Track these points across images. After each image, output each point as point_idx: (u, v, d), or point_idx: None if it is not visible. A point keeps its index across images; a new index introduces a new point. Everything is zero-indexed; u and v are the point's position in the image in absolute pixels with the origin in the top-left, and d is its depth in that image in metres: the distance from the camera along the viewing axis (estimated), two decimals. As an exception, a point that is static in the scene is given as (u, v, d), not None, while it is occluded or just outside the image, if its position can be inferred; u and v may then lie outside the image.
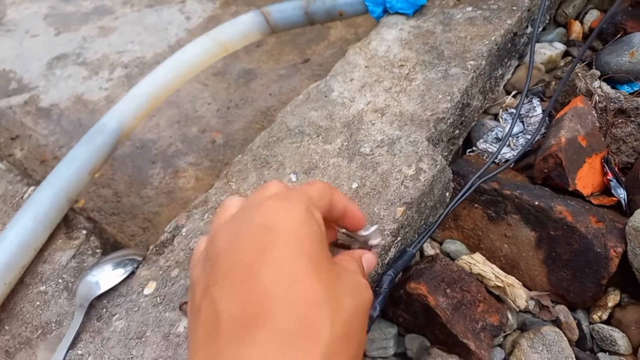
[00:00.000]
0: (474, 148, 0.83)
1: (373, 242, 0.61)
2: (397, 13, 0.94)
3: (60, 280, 0.65)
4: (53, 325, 0.61)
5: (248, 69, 1.23)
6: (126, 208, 0.94)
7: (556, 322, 0.69)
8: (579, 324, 0.69)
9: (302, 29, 1.27)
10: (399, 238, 0.64)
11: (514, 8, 0.86)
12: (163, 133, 1.10)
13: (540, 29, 0.94)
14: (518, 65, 0.91)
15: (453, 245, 0.76)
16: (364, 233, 0.62)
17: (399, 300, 0.66)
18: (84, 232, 0.74)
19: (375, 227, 0.62)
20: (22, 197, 0.78)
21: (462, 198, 0.70)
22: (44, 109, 1.25)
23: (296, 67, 1.21)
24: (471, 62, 0.79)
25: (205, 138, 1.06)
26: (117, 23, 1.55)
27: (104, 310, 0.61)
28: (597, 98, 0.77)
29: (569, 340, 0.67)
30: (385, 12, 0.96)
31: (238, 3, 1.49)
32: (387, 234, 0.62)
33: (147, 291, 0.62)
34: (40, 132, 1.18)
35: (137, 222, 0.90)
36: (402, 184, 0.66)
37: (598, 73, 0.80)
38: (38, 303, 0.63)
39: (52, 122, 1.21)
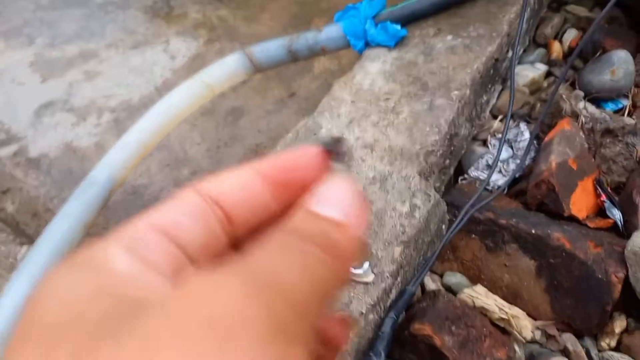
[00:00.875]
0: (465, 176, 0.83)
1: (367, 279, 0.61)
2: (378, 45, 0.95)
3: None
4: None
5: (235, 107, 1.23)
6: (121, 259, 0.93)
7: (564, 352, 0.69)
8: (587, 352, 0.68)
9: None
10: (398, 279, 0.63)
11: (494, 34, 0.87)
12: (154, 177, 1.10)
13: (520, 52, 0.95)
14: (502, 89, 0.92)
15: (454, 278, 0.75)
16: (357, 271, 0.61)
17: (404, 341, 0.65)
18: (79, 291, 0.72)
19: (367, 264, 0.61)
20: (15, 258, 0.77)
21: (456, 229, 0.70)
22: (33, 160, 1.24)
23: (283, 101, 1.22)
24: (455, 92, 0.79)
25: (196, 180, 1.06)
26: (102, 67, 1.56)
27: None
28: (583, 119, 0.77)
29: (578, 369, 0.66)
30: (367, 45, 0.97)
31: (222, 40, 1.50)
32: (387, 276, 0.61)
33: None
34: (31, 184, 1.17)
35: (133, 272, 0.88)
36: (397, 222, 0.66)
37: (582, 94, 0.81)
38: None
39: (42, 172, 1.20)
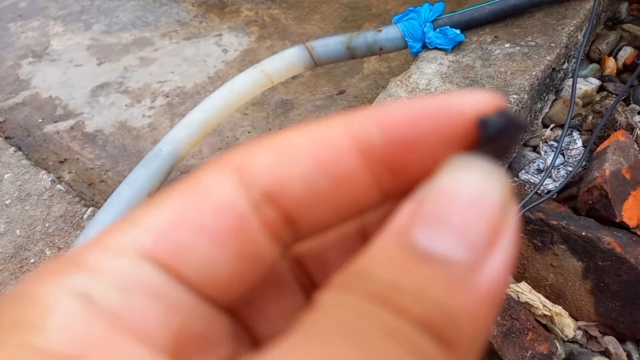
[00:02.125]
0: (515, 179, 0.85)
1: None
2: (435, 48, 0.98)
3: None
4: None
5: (286, 100, 1.28)
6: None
7: (605, 353, 0.70)
8: (629, 356, 0.69)
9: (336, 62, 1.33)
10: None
11: (552, 45, 0.89)
12: (206, 159, 1.15)
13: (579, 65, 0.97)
14: (555, 99, 0.94)
15: (498, 274, 0.77)
16: None
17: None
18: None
19: None
20: (81, 217, 0.81)
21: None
22: (89, 134, 1.30)
23: (332, 98, 1.26)
24: (514, 96, 0.82)
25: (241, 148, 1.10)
26: (156, 54, 1.62)
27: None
28: (638, 132, 0.79)
29: (620, 371, 0.67)
30: (424, 47, 1.00)
31: (273, 37, 1.56)
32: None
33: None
34: (87, 157, 1.23)
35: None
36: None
37: (638, 108, 0.83)
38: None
39: (97, 147, 1.26)
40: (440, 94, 0.13)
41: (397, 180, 0.12)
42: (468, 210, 0.11)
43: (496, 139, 0.12)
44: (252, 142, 0.13)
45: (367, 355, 0.09)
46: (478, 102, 0.12)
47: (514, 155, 0.86)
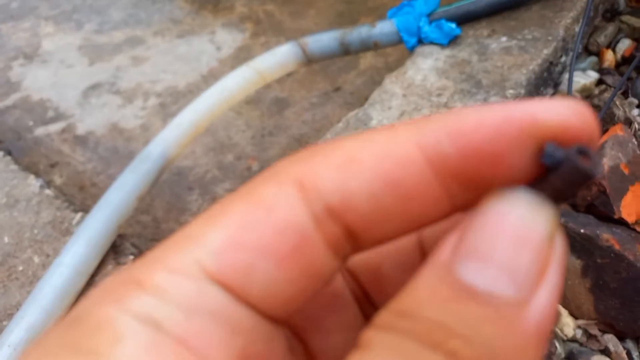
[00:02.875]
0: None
1: None
2: (431, 43, 0.97)
3: (113, 306, 0.66)
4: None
5: (280, 98, 1.26)
6: (165, 234, 0.96)
7: (605, 352, 0.69)
8: (629, 354, 0.68)
9: (331, 58, 1.31)
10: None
11: (549, 38, 0.88)
12: (199, 160, 1.13)
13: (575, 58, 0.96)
14: (553, 94, 0.93)
15: (496, 273, 0.76)
16: None
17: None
18: (132, 257, 0.75)
19: None
20: (70, 223, 0.80)
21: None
22: (80, 137, 1.29)
23: (328, 95, 1.24)
24: (510, 91, 0.80)
25: (241, 165, 1.09)
26: (149, 53, 1.60)
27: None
28: (636, 126, 0.77)
29: (621, 371, 0.66)
30: (420, 42, 0.98)
31: (267, 34, 1.54)
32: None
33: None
34: (78, 159, 1.21)
35: (177, 247, 0.91)
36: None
37: (636, 101, 0.81)
38: (93, 328, 0.64)
39: (89, 149, 1.24)
40: (523, 100, 0.12)
41: (469, 192, 0.12)
42: (513, 244, 0.10)
43: (553, 180, 0.11)
44: (312, 151, 0.12)
45: None
46: (569, 114, 0.11)
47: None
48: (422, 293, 0.10)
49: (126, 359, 0.10)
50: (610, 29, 0.99)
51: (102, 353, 0.10)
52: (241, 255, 0.11)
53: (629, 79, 0.89)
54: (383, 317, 0.11)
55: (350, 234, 0.12)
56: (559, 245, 0.11)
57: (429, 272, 0.11)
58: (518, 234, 0.10)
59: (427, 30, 0.94)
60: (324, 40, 1.00)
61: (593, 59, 0.98)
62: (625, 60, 0.96)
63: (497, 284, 0.10)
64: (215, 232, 0.11)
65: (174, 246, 0.12)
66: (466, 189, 0.12)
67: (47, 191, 0.85)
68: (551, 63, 0.86)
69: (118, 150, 1.23)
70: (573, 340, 0.71)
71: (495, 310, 0.10)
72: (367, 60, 1.29)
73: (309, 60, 1.02)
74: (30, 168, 1.16)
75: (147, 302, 0.11)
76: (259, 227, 0.11)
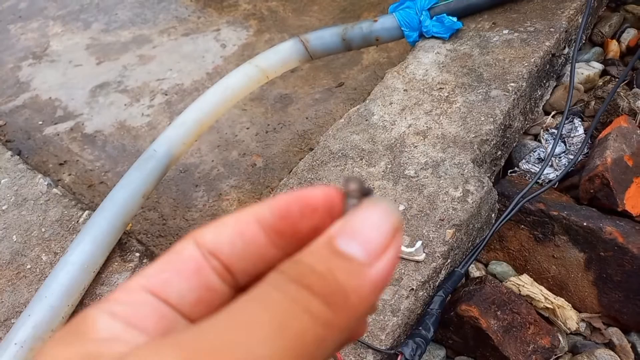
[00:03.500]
0: (516, 169, 0.83)
1: (418, 257, 0.62)
2: (433, 37, 0.96)
3: (119, 302, 0.67)
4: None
5: (284, 94, 1.26)
6: (172, 230, 0.97)
7: (609, 345, 0.68)
8: (633, 347, 0.67)
9: (334, 54, 1.31)
10: (449, 260, 0.64)
11: (552, 29, 0.87)
12: (205, 157, 1.14)
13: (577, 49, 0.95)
14: (556, 86, 0.92)
15: (499, 267, 0.76)
16: (409, 250, 0.63)
17: (449, 322, 0.66)
18: (137, 254, 0.76)
19: (419, 243, 0.63)
20: (77, 221, 0.81)
21: (509, 217, 0.71)
22: (89, 135, 1.30)
23: (331, 91, 1.24)
24: (512, 84, 0.80)
25: (245, 162, 1.09)
26: (155, 52, 1.62)
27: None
28: (641, 117, 0.77)
29: (624, 364, 0.66)
30: (421, 36, 0.98)
31: (271, 31, 1.54)
32: (438, 256, 0.62)
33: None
34: (87, 158, 1.23)
35: (183, 244, 0.92)
36: (450, 206, 0.67)
37: (641, 92, 0.80)
38: (99, 324, 0.65)
39: (97, 148, 1.26)
40: (302, 189, 0.20)
41: (287, 241, 0.20)
42: (371, 230, 0.17)
43: (357, 190, 0.19)
44: (205, 225, 0.20)
45: (268, 313, 0.15)
46: (323, 191, 0.20)
47: (514, 145, 0.85)
48: (310, 250, 0.17)
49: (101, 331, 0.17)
50: (615, 18, 0.97)
51: (85, 332, 0.18)
52: (163, 276, 0.19)
53: (634, 69, 0.88)
54: (283, 264, 0.17)
55: (227, 268, 0.20)
56: (399, 237, 0.17)
57: (320, 239, 0.17)
58: (374, 226, 0.17)
59: (429, 24, 0.93)
60: (325, 36, 1.00)
61: (597, 49, 0.97)
62: (630, 51, 0.95)
63: (356, 251, 0.16)
64: (149, 267, 0.20)
65: (137, 276, 0.20)
66: (285, 240, 0.20)
67: (55, 190, 0.87)
68: (553, 55, 0.86)
69: (125, 149, 1.24)
70: (577, 333, 0.71)
71: (350, 265, 0.16)
72: (370, 55, 1.29)
73: (311, 56, 1.02)
74: (39, 167, 1.18)
75: (110, 305, 0.19)
76: (174, 261, 0.20)
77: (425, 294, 0.61)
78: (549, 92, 0.91)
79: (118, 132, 1.30)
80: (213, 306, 0.20)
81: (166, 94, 1.39)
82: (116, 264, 0.74)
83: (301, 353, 0.14)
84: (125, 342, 0.17)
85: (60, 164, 1.22)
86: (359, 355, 0.54)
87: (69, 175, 1.18)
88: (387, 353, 0.54)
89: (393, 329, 0.56)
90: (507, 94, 0.79)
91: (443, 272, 0.64)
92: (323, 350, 0.15)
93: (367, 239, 0.16)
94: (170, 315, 0.19)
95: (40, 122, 1.38)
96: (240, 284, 0.20)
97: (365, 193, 0.19)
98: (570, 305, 0.71)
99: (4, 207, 0.83)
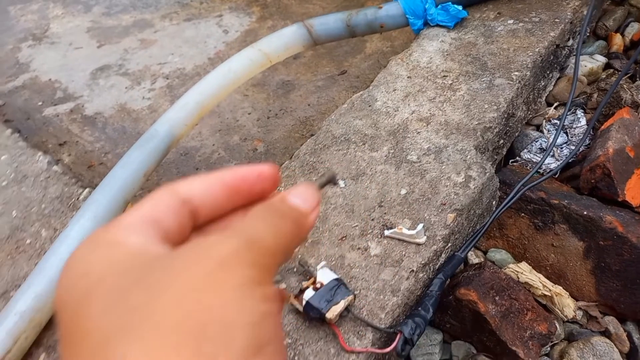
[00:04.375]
0: (517, 158, 0.84)
1: (419, 240, 0.62)
2: (437, 25, 0.96)
3: (119, 278, 0.67)
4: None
5: (286, 81, 1.26)
6: (171, 212, 0.97)
7: (605, 333, 0.69)
8: (629, 336, 0.68)
9: (338, 42, 1.30)
10: (449, 244, 0.65)
11: (557, 20, 0.87)
12: (206, 141, 1.14)
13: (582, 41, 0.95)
14: (559, 77, 0.92)
15: (498, 254, 0.76)
16: (410, 232, 0.63)
17: (447, 306, 0.67)
18: (138, 233, 0.76)
19: (421, 225, 0.63)
20: (77, 199, 0.81)
21: (509, 204, 0.71)
22: (89, 117, 1.30)
23: (333, 78, 1.24)
24: (516, 73, 0.80)
25: (246, 146, 1.09)
26: (157, 36, 1.61)
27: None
28: (643, 109, 0.77)
29: (620, 352, 0.66)
30: (426, 24, 0.98)
31: (274, 17, 1.53)
32: (439, 239, 0.63)
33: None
34: (87, 139, 1.22)
35: (182, 226, 0.92)
36: (452, 190, 0.67)
37: (644, 85, 0.80)
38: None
39: (97, 129, 1.25)
40: (254, 167, 0.29)
41: (237, 199, 0.28)
42: (310, 195, 0.28)
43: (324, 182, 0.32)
44: (186, 179, 0.28)
45: (270, 225, 0.25)
46: (270, 166, 0.29)
47: (517, 134, 0.85)
48: (278, 200, 0.27)
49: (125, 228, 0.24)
50: (620, 12, 0.97)
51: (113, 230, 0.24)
52: (156, 213, 0.25)
53: (637, 62, 0.88)
54: (256, 207, 0.26)
55: (194, 212, 0.27)
56: (319, 207, 0.28)
57: (278, 196, 0.27)
58: (311, 194, 0.28)
59: (434, 12, 0.93)
60: (330, 22, 1.00)
61: (601, 43, 0.97)
62: (634, 45, 0.95)
63: (302, 204, 0.27)
64: (146, 204, 0.26)
65: (131, 211, 0.25)
66: (235, 197, 0.28)
67: (55, 167, 0.86)
68: (557, 46, 0.86)
69: (126, 131, 1.24)
70: (573, 321, 0.71)
71: (297, 213, 0.26)
72: (374, 44, 1.29)
73: (315, 42, 1.01)
74: (39, 147, 1.17)
75: (126, 223, 0.24)
76: (162, 203, 0.26)
77: (425, 276, 0.62)
78: (552, 84, 0.91)
79: (118, 114, 1.29)
80: (183, 239, 0.26)
81: (167, 78, 1.39)
82: (116, 241, 0.74)
83: (289, 247, 0.25)
84: (153, 248, 0.23)
85: (60, 145, 1.22)
86: (358, 332, 0.54)
87: (69, 155, 1.17)
88: (386, 332, 0.55)
89: (393, 309, 0.56)
90: (511, 82, 0.79)
91: (443, 255, 0.64)
92: (292, 246, 0.26)
93: (309, 201, 0.28)
94: (165, 240, 0.25)
95: (40, 103, 1.37)
96: (198, 225, 0.28)
97: (329, 180, 0.32)
98: (567, 293, 0.71)
99: (3, 183, 0.83)
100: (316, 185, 0.30)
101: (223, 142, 1.12)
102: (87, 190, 0.83)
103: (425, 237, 0.62)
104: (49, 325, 0.65)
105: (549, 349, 0.69)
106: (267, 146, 1.08)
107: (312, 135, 0.81)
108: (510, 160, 0.84)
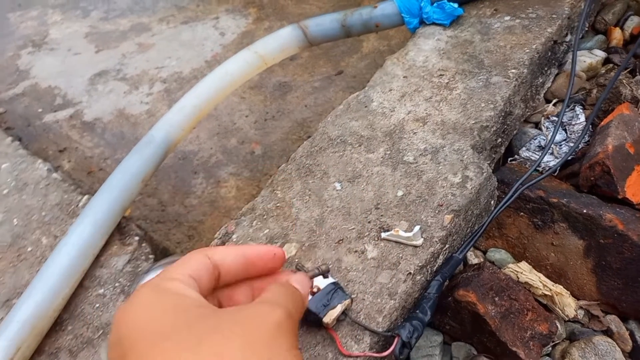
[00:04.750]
0: (516, 156, 0.83)
1: (416, 242, 0.62)
2: (433, 24, 0.95)
3: (117, 284, 0.67)
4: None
5: (283, 82, 1.26)
6: (171, 217, 0.97)
7: (607, 332, 0.68)
8: (631, 335, 0.67)
9: (334, 42, 1.30)
10: (447, 245, 0.64)
11: (554, 16, 0.86)
12: (203, 145, 1.14)
13: (579, 37, 0.94)
14: (558, 74, 0.91)
15: (497, 254, 0.75)
16: (407, 234, 0.63)
17: (446, 307, 0.66)
18: (137, 238, 0.76)
19: (417, 227, 0.63)
20: (77, 205, 0.81)
21: (507, 203, 0.70)
22: (88, 123, 1.30)
23: (330, 79, 1.23)
24: (513, 71, 0.79)
25: (244, 149, 1.09)
26: (154, 40, 1.61)
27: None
28: (643, 105, 0.76)
29: (622, 351, 0.66)
30: (422, 23, 0.97)
31: (271, 19, 1.53)
32: (436, 241, 0.62)
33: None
34: (86, 145, 1.22)
35: (183, 230, 0.93)
36: (449, 191, 0.67)
37: (643, 80, 0.79)
38: (98, 305, 0.65)
39: (96, 135, 1.25)
40: (271, 249, 0.38)
41: (253, 269, 0.37)
42: (305, 284, 0.38)
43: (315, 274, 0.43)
44: (214, 247, 0.41)
45: (275, 311, 0.30)
46: (279, 251, 0.38)
47: (515, 132, 0.84)
48: (280, 282, 0.36)
49: (180, 276, 0.32)
50: (619, 6, 0.96)
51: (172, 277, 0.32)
52: (197, 271, 0.33)
53: (637, 56, 0.87)
54: (270, 287, 0.34)
55: (219, 276, 0.35)
56: (309, 294, 0.49)
57: (285, 279, 0.38)
58: (307, 282, 0.38)
59: (429, 10, 0.93)
60: (325, 22, 1.00)
61: (600, 37, 0.96)
62: (634, 39, 0.94)
63: (301, 290, 0.36)
64: (188, 263, 0.33)
65: (178, 267, 0.33)
66: (249, 269, 0.37)
67: (55, 174, 0.87)
68: (555, 42, 0.85)
69: (125, 136, 1.24)
70: (575, 320, 0.71)
71: (299, 293, 0.36)
72: (370, 43, 1.28)
73: (311, 43, 1.01)
74: (39, 154, 1.18)
75: (179, 277, 0.32)
76: (200, 264, 0.33)
77: (422, 278, 0.61)
78: (551, 80, 0.90)
79: (117, 119, 1.29)
80: (208, 296, 0.34)
81: (165, 82, 1.39)
82: (115, 247, 0.74)
83: (292, 324, 0.31)
84: (206, 304, 0.30)
85: (60, 151, 1.22)
86: (356, 337, 0.54)
87: (69, 162, 1.18)
88: (384, 335, 0.54)
89: (390, 312, 0.56)
90: (508, 80, 0.78)
91: (441, 257, 0.64)
92: (295, 325, 0.31)
93: (304, 285, 0.37)
94: (199, 290, 0.32)
95: (40, 110, 1.37)
96: (218, 288, 0.35)
97: (321, 273, 0.42)
98: (568, 292, 0.71)
99: (4, 192, 0.83)
100: (310, 275, 0.39)
101: (221, 146, 1.12)
102: (86, 197, 0.83)
103: (422, 239, 0.62)
104: (50, 332, 0.66)
105: (550, 349, 0.69)
106: (264, 149, 1.08)
107: (309, 137, 0.81)
108: (509, 159, 0.84)
